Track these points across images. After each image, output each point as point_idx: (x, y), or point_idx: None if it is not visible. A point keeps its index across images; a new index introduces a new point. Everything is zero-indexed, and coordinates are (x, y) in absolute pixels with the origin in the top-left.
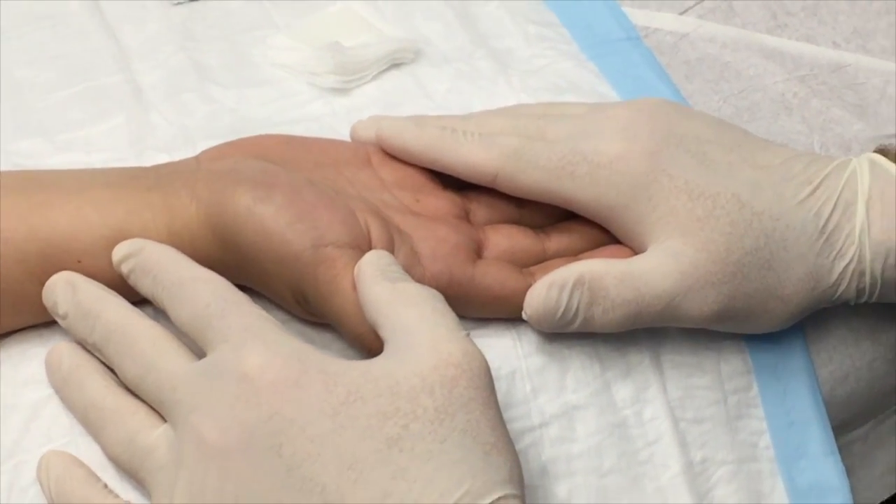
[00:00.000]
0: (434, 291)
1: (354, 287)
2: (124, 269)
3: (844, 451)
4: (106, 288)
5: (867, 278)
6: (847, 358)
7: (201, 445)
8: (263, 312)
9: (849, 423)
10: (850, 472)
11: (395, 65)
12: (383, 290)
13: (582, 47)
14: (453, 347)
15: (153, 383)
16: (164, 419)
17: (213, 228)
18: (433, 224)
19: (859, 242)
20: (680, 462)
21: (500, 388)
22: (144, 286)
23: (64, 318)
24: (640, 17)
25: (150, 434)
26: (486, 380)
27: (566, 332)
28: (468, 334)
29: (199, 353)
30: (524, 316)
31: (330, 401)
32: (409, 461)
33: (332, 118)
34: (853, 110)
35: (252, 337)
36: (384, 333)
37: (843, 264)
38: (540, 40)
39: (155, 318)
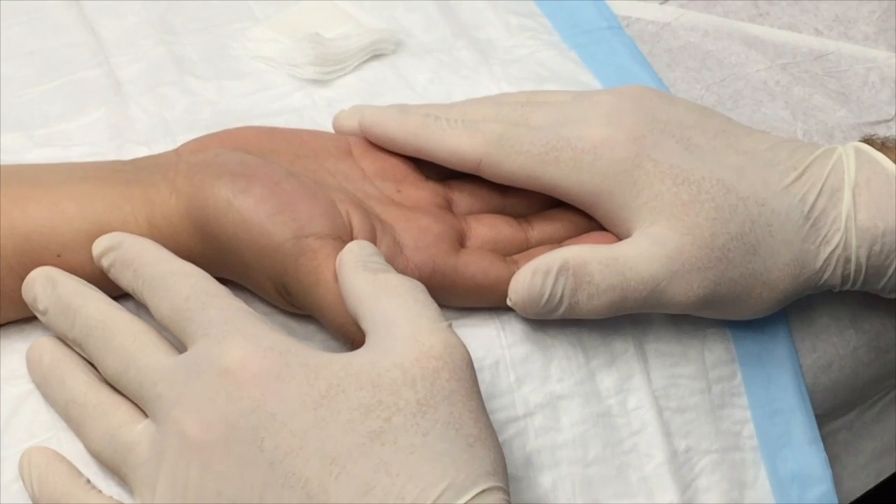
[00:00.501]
0: (416, 282)
1: (336, 278)
2: (104, 263)
3: (829, 439)
4: (86, 283)
5: (852, 265)
6: (831, 346)
7: (183, 440)
8: (244, 305)
9: (833, 411)
10: (834, 460)
11: (376, 56)
12: (364, 281)
13: (563, 37)
14: (435, 339)
15: (134, 378)
16: (145, 414)
17: (193, 221)
18: (415, 214)
19: (845, 229)
20: (664, 451)
21: (484, 378)
22: (125, 280)
23: (44, 313)
24: (621, 6)
25: (132, 430)
26: (469, 371)
27: (551, 321)
28: (450, 325)
29: (180, 347)
30: (509, 302)
31: (311, 394)
32: (392, 454)
33: (312, 110)
34: (836, 97)
35: (233, 330)
36: (365, 325)
37: (828, 250)
38: (521, 30)
39: (136, 312)
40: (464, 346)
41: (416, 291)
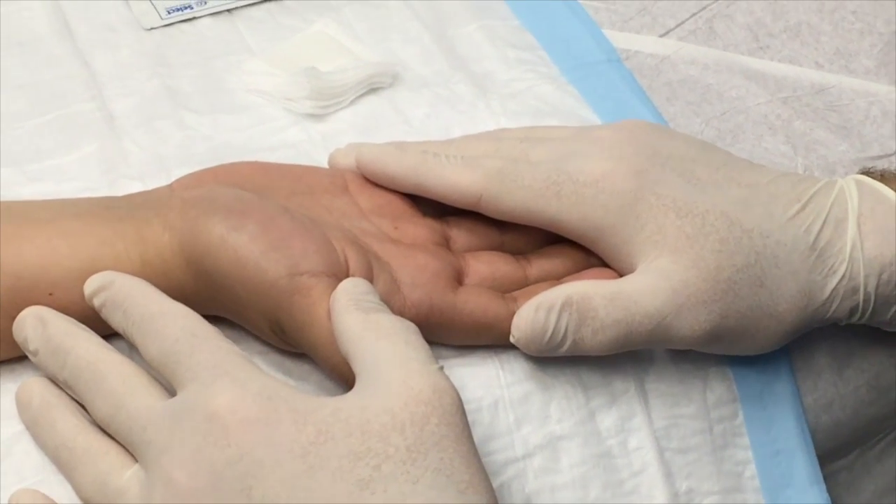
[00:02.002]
0: (409, 323)
1: (330, 316)
2: (96, 302)
3: (830, 479)
4: (77, 323)
5: (860, 295)
6: (831, 386)
7: (171, 488)
8: (234, 347)
9: (834, 451)
10: (835, 501)
11: (373, 90)
12: (355, 320)
13: (562, 70)
14: (423, 383)
15: (123, 423)
16: (135, 459)
17: (186, 258)
18: (412, 251)
19: (850, 259)
20: (665, 493)
21: (483, 418)
22: (115, 320)
23: (35, 353)
24: (620, 39)
25: (122, 475)
26: (459, 415)
27: (550, 360)
28: (441, 368)
29: (171, 389)
30: (512, 339)
31: (300, 440)
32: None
33: (308, 144)
34: (837, 131)
35: (221, 374)
36: (356, 367)
37: (835, 281)
38: (519, 63)
39: (129, 352)
40: (454, 389)
41: (407, 333)
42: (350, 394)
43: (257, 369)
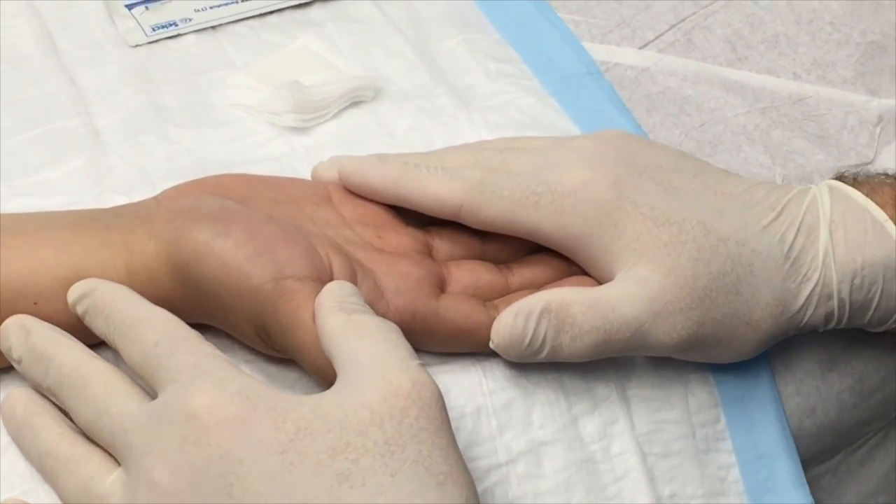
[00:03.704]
0: (390, 324)
1: (315, 318)
2: (79, 310)
3: (813, 484)
4: (60, 331)
5: (835, 302)
6: (814, 390)
7: (153, 489)
8: (213, 349)
9: (817, 455)
10: None
11: (356, 103)
12: (338, 321)
13: (543, 83)
14: (402, 377)
15: (106, 427)
16: (118, 463)
17: (172, 265)
18: (396, 259)
19: (824, 266)
20: (648, 497)
21: (466, 425)
22: (98, 327)
23: (19, 362)
24: (600, 51)
25: (104, 480)
26: (438, 409)
27: (532, 367)
28: (421, 364)
29: (153, 393)
30: (491, 345)
31: (279, 438)
32: (361, 497)
33: (292, 157)
34: (815, 141)
35: (200, 375)
36: (337, 366)
37: (809, 288)
38: (500, 76)
39: (114, 359)
40: (433, 383)
41: (388, 332)
42: (330, 391)
43: (237, 370)
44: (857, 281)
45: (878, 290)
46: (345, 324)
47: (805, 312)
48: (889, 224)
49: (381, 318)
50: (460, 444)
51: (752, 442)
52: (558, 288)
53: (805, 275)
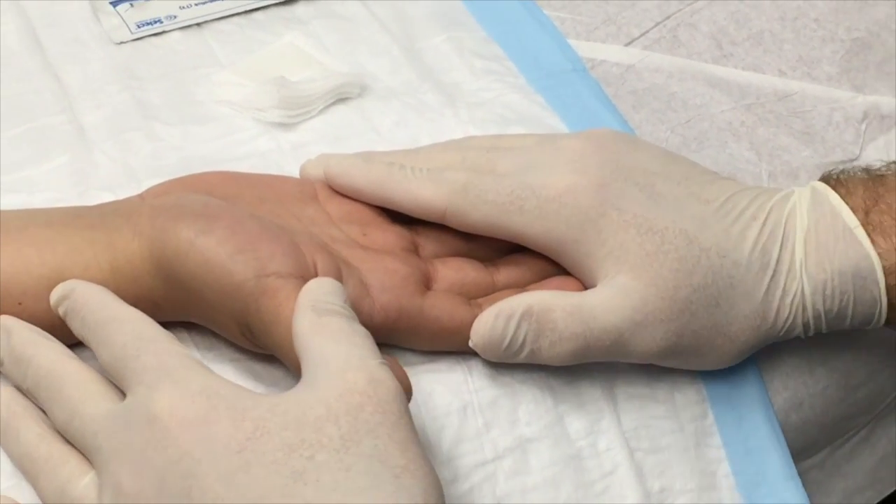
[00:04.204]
0: (359, 327)
1: None
2: (60, 311)
3: (801, 478)
4: (40, 331)
5: (809, 312)
6: (801, 385)
7: (119, 492)
8: (181, 349)
9: (804, 450)
10: None
11: (342, 99)
12: (307, 321)
13: (529, 80)
14: (360, 375)
15: (78, 429)
16: (92, 465)
17: (156, 263)
18: (382, 256)
19: (799, 277)
20: (637, 492)
21: (452, 423)
22: (75, 328)
23: (1, 364)
24: (586, 48)
25: (79, 483)
26: (396, 403)
27: (518, 365)
28: (383, 363)
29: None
30: (470, 344)
31: (237, 437)
32: (315, 493)
33: (278, 154)
34: (800, 138)
35: (163, 377)
36: (303, 365)
37: (787, 300)
38: (486, 73)
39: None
40: (393, 380)
41: (353, 335)
42: (291, 390)
43: (202, 369)
44: (828, 291)
45: (851, 299)
46: (313, 324)
47: (784, 324)
48: (859, 230)
49: (351, 322)
50: (446, 442)
51: (741, 436)
52: (542, 291)
53: (783, 286)
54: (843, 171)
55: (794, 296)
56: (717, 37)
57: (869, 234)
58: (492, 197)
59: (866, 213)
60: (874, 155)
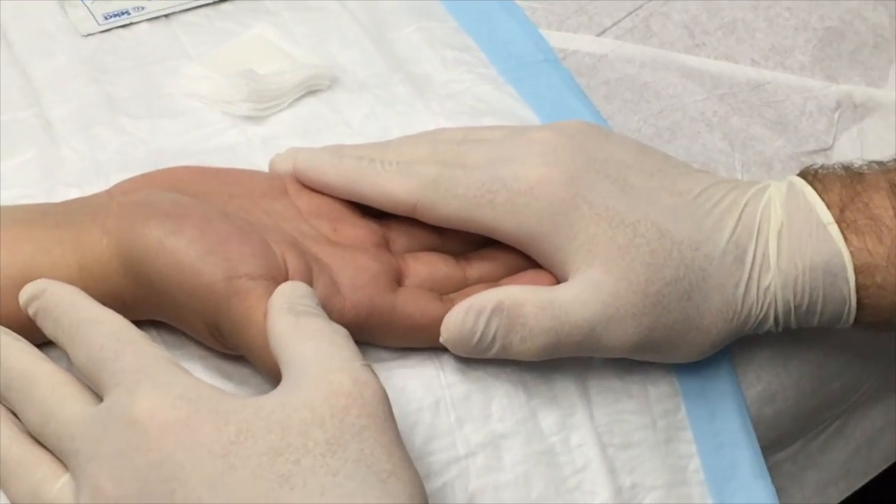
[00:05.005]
0: (337, 327)
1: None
2: (30, 311)
3: (774, 471)
4: (10, 333)
5: (780, 307)
6: (775, 377)
7: (98, 496)
8: (160, 351)
9: (777, 442)
10: (780, 492)
11: (312, 92)
12: (285, 323)
13: (500, 70)
14: (344, 377)
15: (53, 432)
16: (67, 468)
17: (124, 262)
18: (352, 253)
19: (772, 271)
20: (608, 489)
21: (425, 419)
22: (48, 329)
23: None
24: (557, 38)
25: (53, 486)
26: (381, 407)
27: (489, 360)
28: (366, 364)
29: (101, 396)
30: (441, 340)
31: (220, 440)
32: (301, 498)
33: (247, 147)
34: (773, 127)
35: (143, 379)
36: (282, 367)
37: (759, 294)
38: (457, 64)
39: (69, 361)
40: (377, 382)
41: (334, 335)
42: (273, 392)
43: (182, 372)
44: (799, 286)
45: (820, 295)
46: (292, 326)
47: (755, 318)
48: (833, 227)
49: (329, 322)
50: (419, 438)
51: (713, 431)
52: (513, 286)
53: (757, 280)
54: (822, 167)
55: (768, 290)
56: (690, 26)
57: (843, 232)
58: (462, 190)
59: (841, 210)
60: (847, 144)
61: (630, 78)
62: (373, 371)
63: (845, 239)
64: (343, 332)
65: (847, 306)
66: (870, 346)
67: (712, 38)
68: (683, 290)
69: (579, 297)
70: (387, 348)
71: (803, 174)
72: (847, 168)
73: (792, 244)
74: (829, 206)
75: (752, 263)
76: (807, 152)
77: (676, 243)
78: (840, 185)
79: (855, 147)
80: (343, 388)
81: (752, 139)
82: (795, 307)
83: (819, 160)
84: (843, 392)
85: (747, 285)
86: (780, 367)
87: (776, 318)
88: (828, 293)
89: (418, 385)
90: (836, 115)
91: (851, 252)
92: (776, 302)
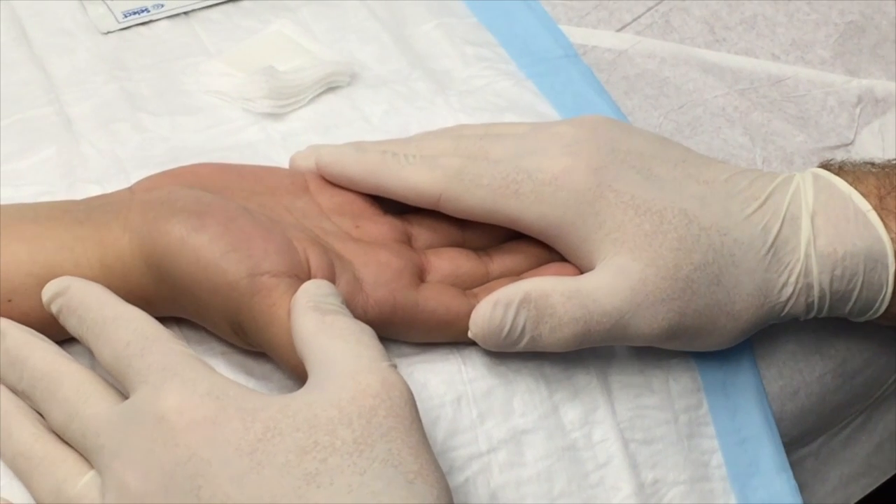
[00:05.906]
0: (364, 326)
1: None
2: (53, 308)
3: (796, 467)
4: (33, 332)
5: (815, 292)
6: (797, 373)
7: (123, 492)
8: (185, 349)
9: (800, 438)
10: (802, 487)
11: (331, 88)
12: (311, 321)
13: (520, 66)
14: (372, 378)
15: (78, 429)
16: (91, 465)
17: (146, 260)
18: (374, 249)
19: (805, 256)
20: (631, 484)
21: (447, 414)
22: (71, 326)
23: None
24: (577, 34)
25: (77, 482)
26: (409, 408)
27: (512, 355)
28: (393, 365)
29: (126, 392)
30: (470, 334)
31: (247, 438)
32: (329, 497)
33: (267, 144)
34: (794, 122)
35: (171, 376)
36: (308, 366)
37: (790, 279)
38: (478, 60)
39: (91, 358)
40: (404, 383)
41: (361, 334)
42: (300, 391)
43: (208, 369)
44: (838, 272)
45: (859, 281)
46: (318, 324)
47: (786, 303)
48: (872, 214)
49: (355, 321)
50: (441, 434)
51: (735, 426)
52: (538, 277)
53: (787, 265)
54: (843, 162)
55: (799, 275)
56: (710, 21)
57: (882, 219)
58: (487, 181)
59: (880, 199)
60: (869, 139)
61: (650, 73)
62: (399, 372)
63: (885, 226)
64: (369, 330)
65: (883, 293)
66: (893, 341)
67: (733, 33)
68: (713, 275)
69: (608, 285)
70: (409, 344)
71: (825, 167)
72: (873, 164)
73: (830, 230)
74: (865, 196)
75: (784, 249)
76: (828, 147)
77: (704, 229)
78: (874, 177)
79: (876, 142)
80: (371, 389)
81: (773, 134)
82: (831, 293)
83: (840, 155)
84: (867, 388)
85: (779, 270)
86: (802, 362)
87: (809, 304)
88: (867, 279)
89: (440, 381)
90: (858, 109)
91: (892, 238)
92: (811, 287)
